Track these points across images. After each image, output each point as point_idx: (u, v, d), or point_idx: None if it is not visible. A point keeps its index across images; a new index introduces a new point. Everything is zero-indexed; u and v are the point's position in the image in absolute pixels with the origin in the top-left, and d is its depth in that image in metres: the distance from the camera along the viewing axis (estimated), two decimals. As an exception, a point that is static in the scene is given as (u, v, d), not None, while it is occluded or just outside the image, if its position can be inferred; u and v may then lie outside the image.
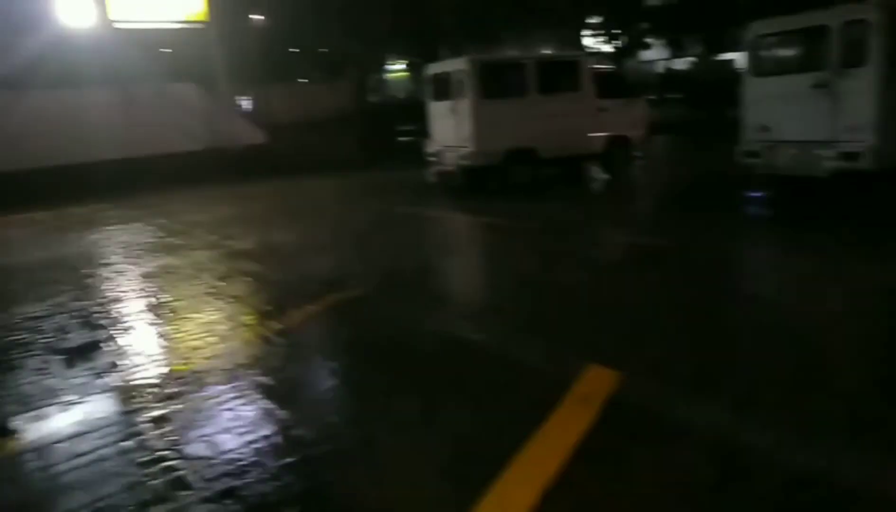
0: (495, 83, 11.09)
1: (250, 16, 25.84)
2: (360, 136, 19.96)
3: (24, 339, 5.00)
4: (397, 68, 37.61)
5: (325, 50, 27.86)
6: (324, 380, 4.00)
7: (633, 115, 12.50)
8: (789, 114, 7.84)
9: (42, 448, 3.21)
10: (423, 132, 24.37)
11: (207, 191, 14.17)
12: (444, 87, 11.65)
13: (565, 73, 11.75)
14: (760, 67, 8.29)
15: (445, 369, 3.92)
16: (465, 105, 10.97)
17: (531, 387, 3.55)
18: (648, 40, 30.41)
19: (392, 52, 32.81)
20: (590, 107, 11.75)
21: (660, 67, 32.80)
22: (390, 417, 3.34)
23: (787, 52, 8.62)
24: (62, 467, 2.99)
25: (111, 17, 15.73)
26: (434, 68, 12.40)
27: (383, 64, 34.11)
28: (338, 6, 21.69)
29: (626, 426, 3.04)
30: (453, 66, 11.43)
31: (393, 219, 10.09)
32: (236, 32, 20.95)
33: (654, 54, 32.93)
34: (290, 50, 28.36)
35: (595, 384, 3.44)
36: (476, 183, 11.93)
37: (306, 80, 29.36)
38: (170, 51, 18.41)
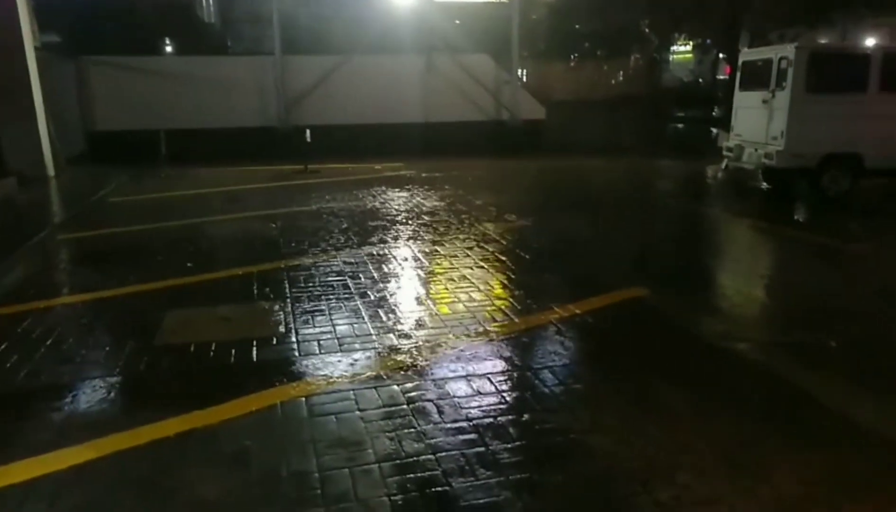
0: (825, 76, 9.67)
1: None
2: (639, 119, 19.18)
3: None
4: (681, 50, 35.34)
5: (610, 28, 27.04)
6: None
7: None
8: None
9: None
10: (703, 120, 22.77)
11: (490, 162, 14.77)
12: (757, 76, 10.52)
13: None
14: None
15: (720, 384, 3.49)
16: (782, 98, 9.78)
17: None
18: None
19: (681, 32, 30.79)
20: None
21: None
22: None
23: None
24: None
25: (430, -8, 17.00)
26: (749, 54, 11.32)
27: (669, 45, 32.19)
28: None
29: None
30: (774, 52, 10.21)
31: (683, 215, 9.47)
32: (529, 7, 21.33)
33: None
34: (574, 26, 28.20)
35: None
36: (779, 187, 10.68)
37: (586, 57, 28.97)
38: (469, 22, 19.44)
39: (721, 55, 26.81)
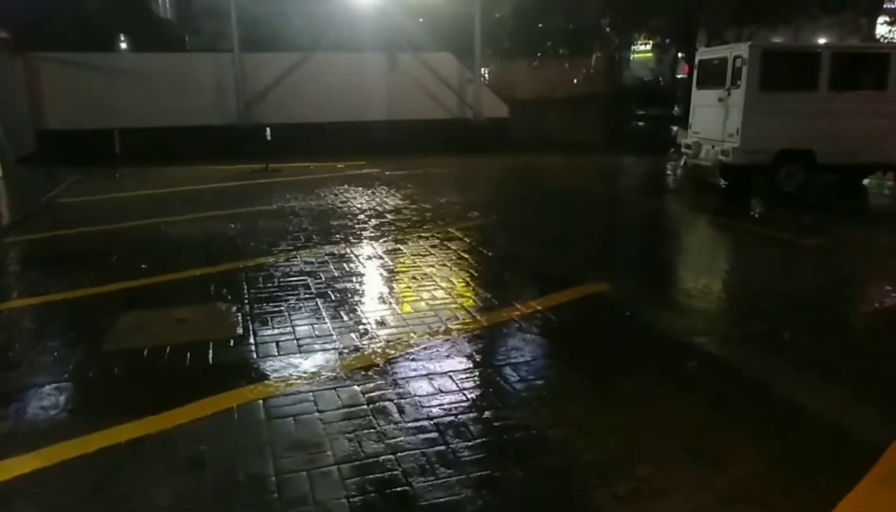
0: (778, 74, 9.93)
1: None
2: (601, 117, 19.44)
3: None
4: (642, 49, 35.89)
5: (572, 26, 27.28)
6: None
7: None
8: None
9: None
10: (663, 118, 23.16)
11: (454, 160, 14.74)
12: (713, 75, 10.72)
13: (869, 68, 10.15)
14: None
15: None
16: (738, 96, 9.99)
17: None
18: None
19: (641, 31, 31.27)
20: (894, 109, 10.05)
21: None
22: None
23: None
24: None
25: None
26: (704, 53, 11.55)
27: (630, 44, 32.69)
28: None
29: None
30: (730, 51, 10.43)
31: (643, 212, 9.61)
32: (492, 5, 21.37)
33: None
34: (538, 25, 28.38)
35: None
36: (735, 184, 10.91)
37: (550, 56, 29.19)
38: (432, 21, 19.39)
39: (680, 54, 27.34)
